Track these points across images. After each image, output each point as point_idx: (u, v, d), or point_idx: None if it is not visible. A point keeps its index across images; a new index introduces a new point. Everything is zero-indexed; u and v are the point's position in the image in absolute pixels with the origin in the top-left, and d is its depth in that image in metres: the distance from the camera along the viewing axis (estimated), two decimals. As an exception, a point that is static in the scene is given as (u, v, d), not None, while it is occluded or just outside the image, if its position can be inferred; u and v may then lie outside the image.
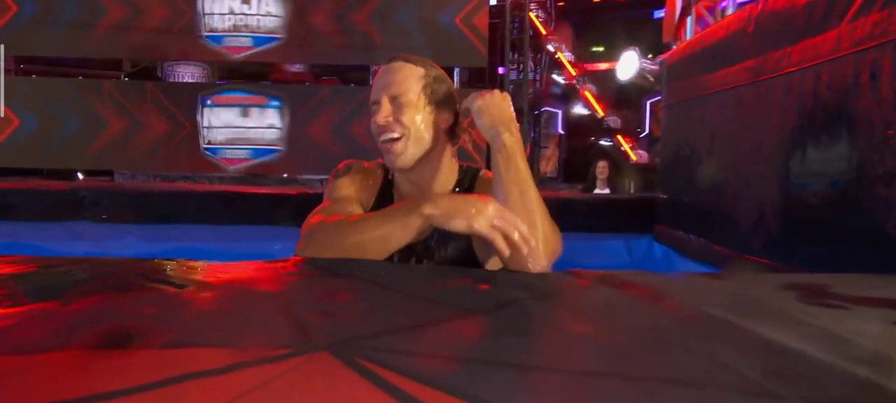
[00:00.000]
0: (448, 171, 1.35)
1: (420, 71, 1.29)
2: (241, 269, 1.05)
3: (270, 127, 6.53)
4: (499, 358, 0.67)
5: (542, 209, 1.14)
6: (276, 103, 6.56)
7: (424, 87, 1.28)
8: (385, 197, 1.35)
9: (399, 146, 1.27)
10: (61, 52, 7.20)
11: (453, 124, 1.34)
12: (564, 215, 3.68)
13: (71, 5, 6.37)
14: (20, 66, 9.43)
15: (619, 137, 12.70)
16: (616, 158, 12.00)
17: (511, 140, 1.16)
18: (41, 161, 6.67)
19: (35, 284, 0.92)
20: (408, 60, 1.30)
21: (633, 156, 12.23)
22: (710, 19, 3.96)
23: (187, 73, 9.58)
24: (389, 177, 1.39)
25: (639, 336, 0.77)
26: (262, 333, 0.73)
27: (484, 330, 0.78)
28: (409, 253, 1.30)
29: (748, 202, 2.70)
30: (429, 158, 1.31)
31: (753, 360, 0.67)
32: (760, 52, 2.64)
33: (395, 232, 1.11)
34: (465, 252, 1.27)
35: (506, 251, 1.08)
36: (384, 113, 1.27)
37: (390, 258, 1.32)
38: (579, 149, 13.03)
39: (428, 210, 1.08)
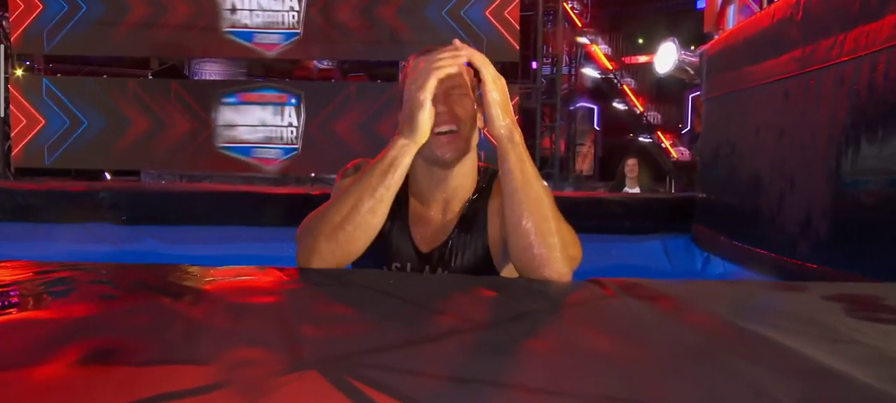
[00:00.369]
0: (474, 170, 1.29)
1: (470, 74, 1.22)
2: (240, 277, 1.02)
3: (289, 125, 6.59)
4: (503, 379, 0.64)
5: (556, 213, 1.08)
6: (294, 101, 6.61)
7: (471, 78, 1.22)
8: (398, 196, 1.29)
9: (456, 139, 1.19)
10: (96, 51, 7.38)
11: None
12: (596, 216, 3.65)
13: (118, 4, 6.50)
14: (49, 65, 9.74)
15: (659, 134, 12.47)
16: (655, 156, 11.80)
17: (520, 136, 1.09)
18: (67, 161, 6.85)
19: (25, 292, 0.91)
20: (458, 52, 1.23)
21: (673, 154, 11.99)
22: (754, 7, 3.83)
23: (213, 71, 9.72)
24: None
25: (664, 356, 0.72)
26: (249, 349, 0.70)
27: (490, 346, 0.74)
28: (424, 261, 1.26)
29: (794, 202, 2.59)
30: (469, 159, 1.26)
31: (793, 384, 0.62)
32: (809, 40, 2.53)
33: (373, 185, 1.09)
34: (483, 259, 1.22)
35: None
36: (443, 104, 1.17)
37: (403, 268, 1.29)
38: (617, 147, 12.83)
39: (402, 138, 1.09)
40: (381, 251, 1.30)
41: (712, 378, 0.64)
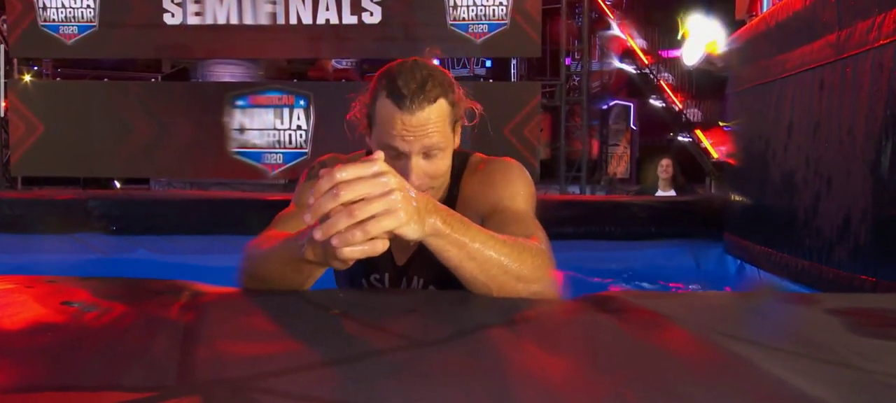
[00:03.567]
0: (448, 172, 1.23)
1: (443, 105, 1.13)
2: (159, 293, 0.98)
3: (298, 128, 6.62)
4: None
5: (519, 253, 0.96)
6: (302, 102, 6.64)
7: (451, 122, 1.16)
8: None
9: (432, 191, 1.16)
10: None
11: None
12: (618, 220, 3.55)
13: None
14: (57, 69, 9.98)
15: (699, 132, 12.22)
16: (696, 156, 11.55)
17: (442, 217, 0.90)
18: (66, 169, 6.97)
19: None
20: (430, 100, 1.10)
21: (714, 154, 11.73)
22: (791, -9, 3.69)
23: (225, 73, 9.85)
24: None
25: (608, 381, 0.65)
26: (130, 371, 0.65)
27: (410, 368, 0.68)
28: (401, 272, 1.25)
29: (832, 204, 2.48)
30: None
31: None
32: (845, 23, 2.43)
33: (290, 274, 0.97)
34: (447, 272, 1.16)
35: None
36: (417, 174, 1.11)
37: (382, 279, 1.27)
38: (656, 147, 12.62)
39: (309, 256, 0.89)
40: (358, 266, 1.27)
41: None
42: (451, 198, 1.23)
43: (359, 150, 1.32)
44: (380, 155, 0.84)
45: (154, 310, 0.88)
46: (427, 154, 1.13)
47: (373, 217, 0.80)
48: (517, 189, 1.19)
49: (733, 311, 0.99)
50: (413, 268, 1.25)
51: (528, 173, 1.25)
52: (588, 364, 0.72)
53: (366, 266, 1.26)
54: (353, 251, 0.81)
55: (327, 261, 0.88)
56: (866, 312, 0.92)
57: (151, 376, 0.64)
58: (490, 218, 1.13)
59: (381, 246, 0.82)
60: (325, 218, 0.79)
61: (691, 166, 9.77)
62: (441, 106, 1.13)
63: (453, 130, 1.17)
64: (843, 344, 0.76)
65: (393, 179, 0.82)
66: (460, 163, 1.27)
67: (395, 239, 1.23)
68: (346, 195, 0.79)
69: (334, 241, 0.80)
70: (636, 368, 0.70)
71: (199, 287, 1.00)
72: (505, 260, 0.93)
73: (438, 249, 0.90)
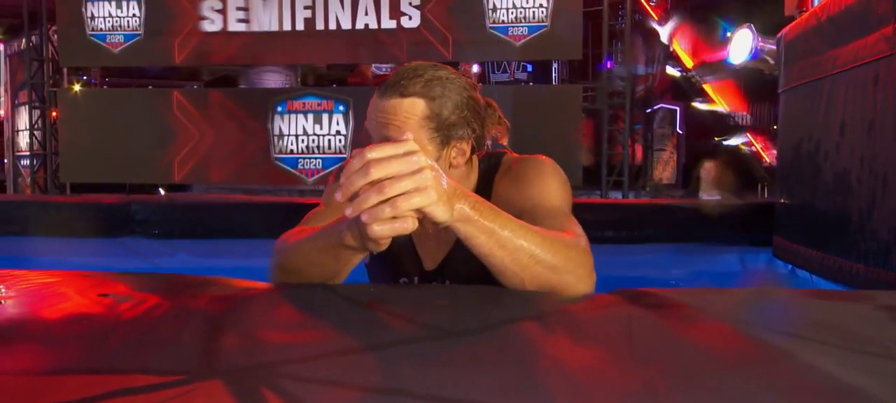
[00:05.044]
0: (471, 173, 1.25)
1: (420, 107, 1.11)
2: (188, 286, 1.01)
3: (337, 133, 6.69)
4: (435, 392, 0.60)
5: (552, 244, 0.95)
6: (342, 108, 6.71)
7: (430, 130, 1.12)
8: None
9: None
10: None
11: (476, 144, 1.20)
12: (661, 224, 3.49)
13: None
14: (105, 79, 10.33)
15: (750, 136, 11.94)
16: (746, 161, 11.29)
17: (471, 203, 0.89)
18: (113, 175, 7.19)
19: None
20: (403, 93, 1.11)
21: (766, 158, 11.45)
22: (844, -16, 3.58)
23: (268, 80, 10.04)
24: None
25: (654, 371, 0.64)
26: (159, 357, 0.67)
27: (439, 356, 0.68)
28: (430, 279, 1.25)
29: (889, 205, 2.39)
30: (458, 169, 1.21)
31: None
32: (902, 15, 2.34)
33: (327, 261, 0.99)
34: (477, 278, 1.17)
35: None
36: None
37: (385, 281, 1.27)
38: (704, 152, 12.37)
39: (347, 241, 0.91)
40: (386, 270, 1.28)
41: (691, 398, 0.57)
42: (486, 199, 1.23)
43: None
44: (410, 135, 0.85)
45: (185, 302, 0.90)
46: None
47: (403, 194, 0.80)
48: (550, 185, 1.17)
49: (774, 306, 0.96)
50: (443, 273, 1.25)
51: (561, 170, 1.23)
52: (619, 356, 0.71)
53: (394, 270, 1.26)
54: (383, 229, 0.82)
55: (364, 245, 0.89)
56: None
57: (178, 361, 0.66)
58: (523, 216, 1.12)
59: (411, 224, 0.83)
60: (356, 196, 0.81)
61: (742, 171, 9.55)
62: (414, 104, 1.11)
63: (437, 145, 1.12)
64: (890, 338, 0.74)
65: (424, 159, 0.83)
66: (493, 164, 1.27)
67: (424, 245, 1.24)
68: (377, 173, 0.80)
69: (364, 217, 0.80)
70: (669, 359, 0.69)
71: (231, 281, 1.03)
72: (536, 248, 0.92)
73: (467, 236, 0.90)
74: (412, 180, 0.81)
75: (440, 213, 0.84)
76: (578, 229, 1.07)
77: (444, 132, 1.13)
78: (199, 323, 0.77)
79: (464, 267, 1.20)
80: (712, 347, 0.73)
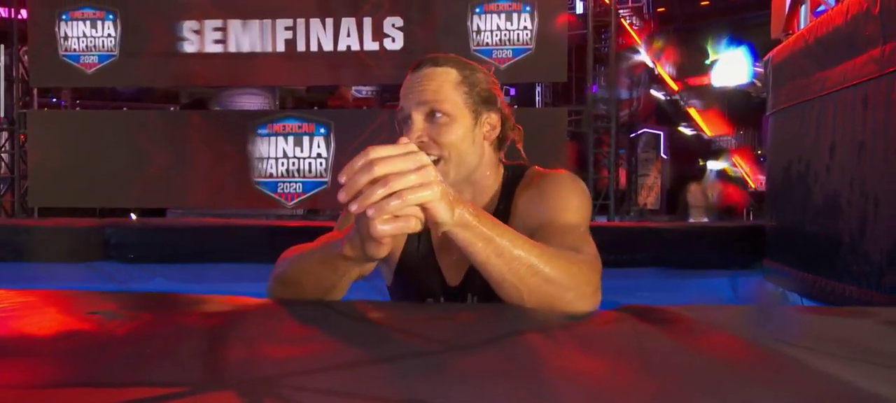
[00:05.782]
0: (493, 182, 1.27)
1: (453, 74, 1.20)
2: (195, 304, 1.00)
3: (318, 156, 6.69)
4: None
5: (554, 258, 0.96)
6: (323, 131, 6.71)
7: (464, 93, 1.19)
8: None
9: (444, 166, 1.18)
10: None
11: (501, 129, 1.25)
12: (649, 248, 3.52)
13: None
14: (76, 101, 10.24)
15: (735, 160, 12.13)
16: (732, 184, 11.45)
17: (470, 212, 0.90)
18: (83, 199, 7.10)
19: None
20: (436, 63, 1.21)
21: (751, 183, 11.63)
22: (830, 5, 3.67)
23: (244, 102, 10.02)
24: None
25: (667, 381, 0.65)
26: (159, 370, 0.66)
27: (445, 369, 0.68)
28: (453, 296, 1.24)
29: (881, 227, 2.43)
30: (472, 178, 1.24)
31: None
32: (890, 36, 2.41)
33: (325, 273, 1.00)
34: None
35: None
36: (417, 131, 1.17)
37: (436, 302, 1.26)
38: (687, 177, 12.54)
39: (346, 251, 0.92)
40: (410, 289, 1.27)
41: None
42: (505, 210, 1.24)
43: None
44: (407, 139, 0.88)
45: (177, 318, 0.89)
46: (430, 117, 1.17)
47: (408, 188, 0.81)
48: (568, 202, 1.18)
49: (781, 321, 0.97)
50: (468, 287, 1.24)
51: (584, 187, 1.23)
52: (630, 367, 0.71)
53: (419, 290, 1.26)
54: (386, 228, 0.82)
55: (364, 252, 0.89)
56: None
57: (180, 374, 0.65)
58: (538, 230, 1.12)
59: (415, 224, 0.84)
60: (360, 195, 0.81)
61: (727, 194, 9.69)
62: (448, 73, 1.19)
63: (471, 111, 1.19)
64: (902, 351, 0.75)
65: (426, 157, 0.85)
66: (516, 174, 1.29)
67: (445, 259, 1.24)
68: (381, 169, 0.80)
69: (369, 212, 0.81)
70: (682, 369, 0.69)
71: (223, 298, 1.02)
72: (535, 260, 0.93)
73: (465, 242, 0.91)
74: (416, 175, 0.82)
75: (442, 213, 0.85)
76: (590, 248, 1.08)
77: (475, 98, 1.20)
78: (197, 337, 0.76)
79: (468, 281, 1.21)
80: (725, 358, 0.73)
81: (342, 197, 0.82)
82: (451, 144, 1.17)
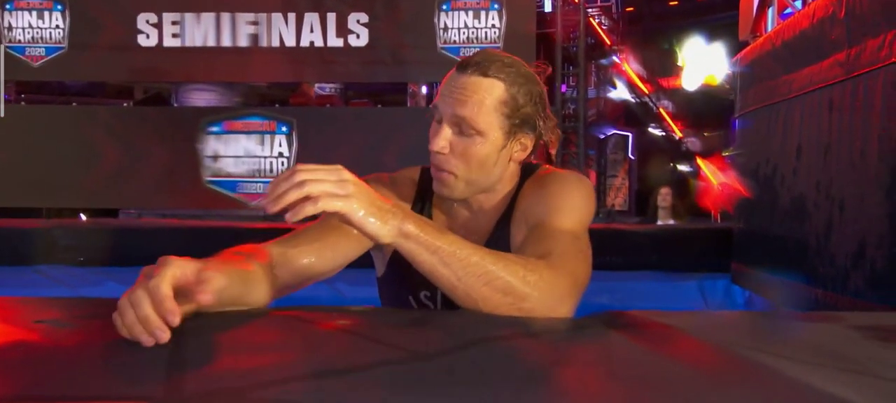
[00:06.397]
0: (508, 184, 1.27)
1: (499, 90, 1.15)
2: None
3: (279, 155, 6.62)
4: None
5: (513, 267, 0.95)
6: (284, 129, 6.64)
7: (503, 115, 1.16)
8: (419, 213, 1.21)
9: (451, 180, 1.20)
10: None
11: (531, 149, 1.24)
12: (618, 250, 3.56)
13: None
14: (21, 95, 9.95)
15: (701, 162, 12.35)
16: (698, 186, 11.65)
17: (412, 222, 0.93)
18: (29, 199, 6.91)
19: None
20: (485, 72, 1.15)
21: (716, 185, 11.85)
22: (797, 8, 3.77)
23: (202, 99, 9.87)
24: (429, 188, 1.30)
25: (637, 388, 0.66)
26: (117, 382, 0.65)
27: (416, 378, 0.68)
28: (431, 293, 1.25)
29: (846, 230, 2.50)
30: (490, 190, 1.25)
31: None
32: (855, 41, 2.47)
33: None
34: None
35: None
36: (443, 140, 1.16)
37: (433, 297, 1.26)
38: (655, 178, 12.73)
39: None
40: (403, 285, 1.26)
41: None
42: (509, 208, 1.25)
43: (405, 169, 1.37)
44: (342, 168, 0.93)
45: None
46: (460, 129, 1.15)
47: (325, 194, 0.87)
48: (565, 204, 1.16)
49: (751, 327, 0.99)
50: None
51: (587, 189, 1.23)
52: (599, 374, 0.72)
53: (415, 284, 1.24)
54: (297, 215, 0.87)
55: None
56: (891, 329, 0.92)
57: (138, 387, 0.64)
58: (530, 232, 1.13)
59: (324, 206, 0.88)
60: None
61: (693, 197, 9.87)
62: (493, 85, 1.15)
63: (505, 133, 1.17)
64: (868, 357, 0.77)
65: (352, 177, 0.91)
66: (526, 172, 1.29)
67: None
68: (303, 176, 0.86)
69: (287, 217, 0.87)
70: (652, 376, 0.70)
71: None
72: (491, 268, 0.94)
73: (410, 253, 0.93)
74: (335, 185, 0.88)
75: (371, 227, 0.90)
76: (574, 256, 1.07)
77: (514, 121, 1.17)
78: (155, 348, 0.74)
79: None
80: (696, 365, 0.75)
81: (263, 203, 0.89)
82: (473, 162, 1.17)
